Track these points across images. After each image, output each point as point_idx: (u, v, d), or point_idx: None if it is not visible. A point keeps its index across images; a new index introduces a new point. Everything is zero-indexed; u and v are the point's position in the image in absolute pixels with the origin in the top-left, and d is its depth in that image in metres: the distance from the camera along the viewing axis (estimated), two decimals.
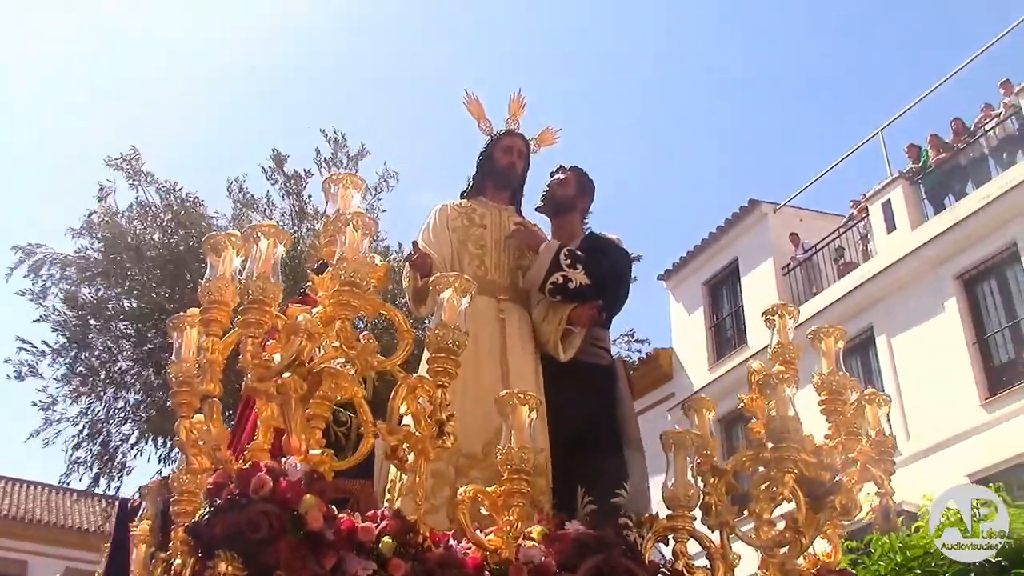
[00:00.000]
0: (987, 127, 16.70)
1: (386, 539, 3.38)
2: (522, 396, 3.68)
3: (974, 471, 13.40)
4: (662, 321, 23.35)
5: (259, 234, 3.55)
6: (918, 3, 45.28)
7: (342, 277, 3.49)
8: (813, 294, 18.57)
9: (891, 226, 17.18)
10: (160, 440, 16.35)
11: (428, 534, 3.49)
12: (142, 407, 16.40)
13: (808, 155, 47.75)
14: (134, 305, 16.21)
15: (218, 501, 3.25)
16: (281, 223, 17.06)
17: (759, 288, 19.39)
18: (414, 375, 3.60)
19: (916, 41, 45.71)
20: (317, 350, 3.61)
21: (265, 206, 17.71)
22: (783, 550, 4.12)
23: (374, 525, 3.42)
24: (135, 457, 16.97)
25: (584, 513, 4.20)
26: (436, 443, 3.53)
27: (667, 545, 3.95)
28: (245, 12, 44.46)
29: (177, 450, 16.19)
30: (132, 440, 16.94)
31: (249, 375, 3.37)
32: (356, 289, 3.49)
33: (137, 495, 6.04)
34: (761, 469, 4.12)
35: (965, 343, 15.06)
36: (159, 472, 15.11)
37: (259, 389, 3.38)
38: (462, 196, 5.34)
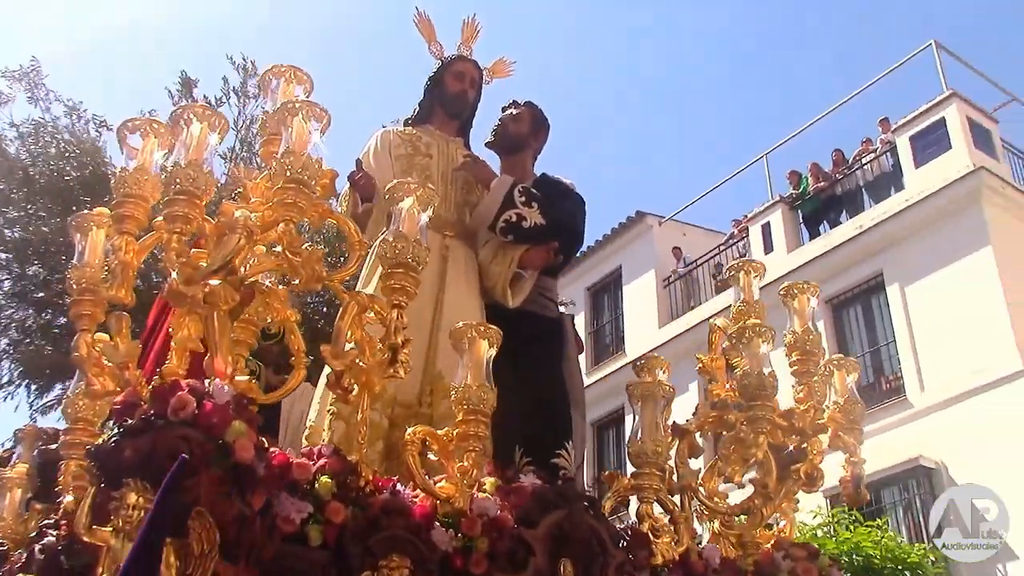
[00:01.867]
0: (864, 161, 17.15)
1: (324, 479, 2.85)
2: (482, 329, 3.17)
3: (828, 487, 13.44)
4: None
5: (191, 116, 2.95)
6: (810, 37, 46.66)
7: (287, 173, 2.92)
8: (691, 308, 18.68)
9: (768, 247, 17.47)
10: (34, 387, 14.77)
11: (371, 477, 2.94)
12: (18, 349, 14.77)
13: (696, 172, 48.60)
14: (16, 235, 14.64)
15: (129, 422, 2.63)
16: None
17: (639, 297, 19.48)
18: (365, 292, 3.04)
19: (806, 72, 47.03)
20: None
21: None
22: (739, 520, 3.69)
23: (311, 463, 2.86)
24: (5, 400, 15.13)
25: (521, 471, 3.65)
26: (388, 372, 2.98)
27: (626, 507, 3.48)
28: None
29: (54, 399, 14.60)
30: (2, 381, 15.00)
31: (174, 277, 2.76)
32: (303, 188, 2.92)
33: (11, 442, 5.25)
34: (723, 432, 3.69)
35: None
36: (34, 420, 13.64)
37: (184, 295, 2.77)
38: (406, 123, 4.77)
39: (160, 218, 3.07)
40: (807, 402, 3.72)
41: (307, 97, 3.34)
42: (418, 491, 2.99)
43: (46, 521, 3.13)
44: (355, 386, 3.01)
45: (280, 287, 3.18)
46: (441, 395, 3.87)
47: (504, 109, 4.79)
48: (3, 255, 14.55)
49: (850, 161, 17.40)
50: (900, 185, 15.88)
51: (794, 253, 16.65)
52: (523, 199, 4.34)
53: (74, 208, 13.65)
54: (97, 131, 15.60)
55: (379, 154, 4.50)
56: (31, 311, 14.49)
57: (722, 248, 19.21)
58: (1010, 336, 13.60)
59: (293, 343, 3.25)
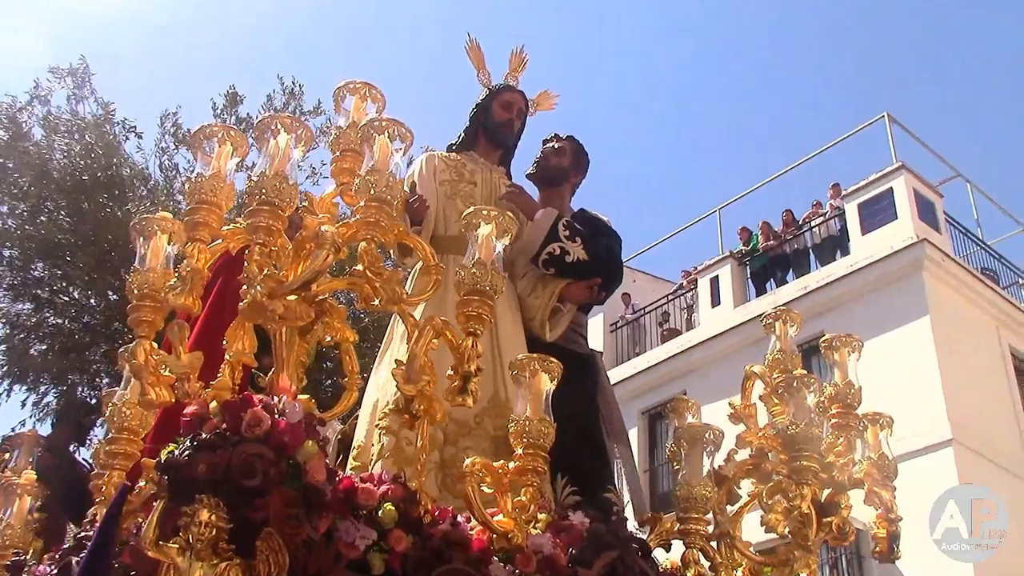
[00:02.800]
0: (813, 223, 17.39)
1: (388, 506, 2.71)
2: (544, 362, 3.08)
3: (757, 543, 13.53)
4: None
5: (278, 126, 2.83)
6: (771, 99, 47.76)
7: (371, 191, 2.82)
8: (636, 353, 18.71)
9: (716, 301, 17.64)
10: (22, 388, 13.96)
11: (429, 507, 2.83)
12: (9, 344, 13.94)
13: (649, 220, 49.29)
14: (25, 229, 13.85)
15: (202, 435, 2.49)
16: None
17: None
18: (441, 318, 2.93)
19: (763, 132, 48.10)
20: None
21: None
22: (769, 570, 3.63)
23: (375, 489, 2.74)
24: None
25: (566, 505, 3.54)
26: (456, 401, 2.87)
27: (667, 551, 3.40)
28: None
29: (45, 403, 13.93)
30: None
31: (257, 288, 2.63)
32: (385, 207, 2.82)
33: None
34: (752, 479, 3.64)
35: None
36: (23, 424, 13.01)
37: (266, 308, 2.63)
38: (449, 148, 4.68)
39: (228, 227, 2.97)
40: (846, 455, 3.68)
41: (380, 115, 3.25)
42: (472, 522, 2.89)
43: (84, 533, 2.95)
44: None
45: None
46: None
47: (545, 142, 4.71)
48: (7, 250, 13.89)
49: (799, 222, 17.68)
50: (846, 250, 16.15)
51: (740, 308, 16.80)
52: (567, 233, 4.27)
53: (84, 207, 13.17)
54: (125, 136, 15.13)
55: (424, 177, 4.38)
56: (26, 307, 13.87)
57: (670, 297, 19.37)
58: (942, 405, 13.77)
59: (347, 364, 3.15)
